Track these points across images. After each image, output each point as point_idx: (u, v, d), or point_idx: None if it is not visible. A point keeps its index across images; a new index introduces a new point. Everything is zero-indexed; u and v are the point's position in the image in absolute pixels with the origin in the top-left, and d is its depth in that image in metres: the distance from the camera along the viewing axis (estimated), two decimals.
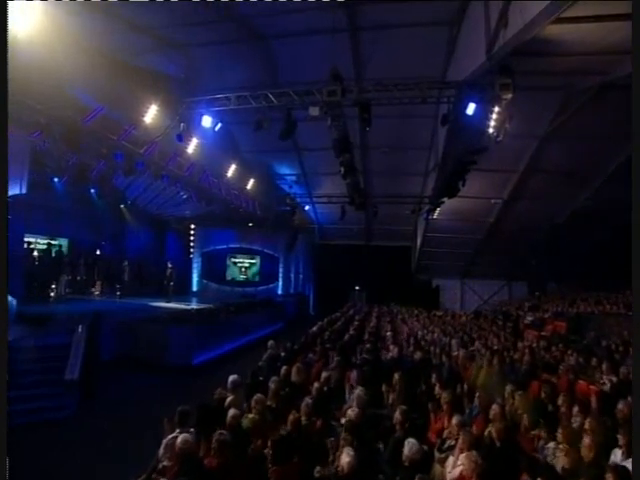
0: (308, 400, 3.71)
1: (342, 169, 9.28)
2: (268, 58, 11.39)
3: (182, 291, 17.20)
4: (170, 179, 11.32)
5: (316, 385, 4.39)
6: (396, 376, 4.85)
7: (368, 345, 7.16)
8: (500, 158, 12.45)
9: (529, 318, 14.76)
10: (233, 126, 14.83)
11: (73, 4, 7.80)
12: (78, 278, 14.51)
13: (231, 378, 4.38)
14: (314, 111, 6.80)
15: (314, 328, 9.49)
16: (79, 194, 14.48)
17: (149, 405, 6.38)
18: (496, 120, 6.11)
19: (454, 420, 3.24)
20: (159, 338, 8.17)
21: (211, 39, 11.00)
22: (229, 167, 14.28)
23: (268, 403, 4.01)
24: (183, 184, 12.20)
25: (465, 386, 4.91)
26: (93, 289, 15.05)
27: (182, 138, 7.79)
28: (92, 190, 14.01)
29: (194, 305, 13.14)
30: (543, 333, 12.42)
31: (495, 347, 8.26)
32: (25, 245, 13.34)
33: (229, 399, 4.03)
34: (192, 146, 11.44)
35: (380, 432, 3.73)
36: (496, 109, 6.04)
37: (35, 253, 13.82)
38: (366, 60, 10.89)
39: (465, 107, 6.19)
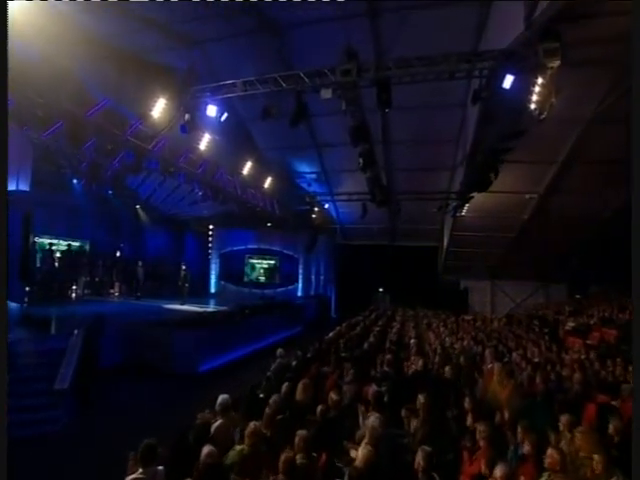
0: (303, 432, 2.96)
1: (360, 161, 8.49)
2: (283, 49, 10.81)
3: (200, 293, 16.93)
4: (180, 177, 10.90)
5: (320, 408, 3.64)
6: (421, 398, 4.03)
7: (389, 356, 6.34)
8: (537, 147, 11.25)
9: (571, 324, 13.37)
10: (249, 122, 14.42)
11: None
12: (96, 279, 14.48)
13: (220, 398, 3.71)
14: (326, 93, 6.09)
15: (330, 334, 8.76)
16: (98, 195, 14.47)
17: (147, 417, 5.87)
18: (539, 94, 5.15)
19: (498, 471, 2.43)
20: (164, 343, 7.69)
21: (223, 32, 10.57)
22: (245, 165, 13.80)
23: (264, 431, 3.32)
24: (195, 182, 11.77)
25: (505, 413, 4.02)
26: (112, 290, 15.00)
27: (186, 129, 7.27)
28: (110, 191, 13.87)
29: (208, 307, 12.74)
30: (588, 342, 11.11)
31: (536, 359, 7.24)
32: (47, 246, 13.45)
33: (216, 425, 3.36)
34: (204, 142, 11.03)
35: (397, 473, 2.96)
36: (539, 81, 5.09)
37: (58, 254, 13.86)
38: (388, 46, 10.09)
39: (501, 81, 5.28)
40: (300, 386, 4.42)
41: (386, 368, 6.08)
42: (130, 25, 9.44)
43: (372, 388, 5.68)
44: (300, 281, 19.42)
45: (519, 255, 20.35)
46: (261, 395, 4.64)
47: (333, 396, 4.05)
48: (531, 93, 5.23)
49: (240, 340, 9.71)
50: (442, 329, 11.35)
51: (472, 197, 13.24)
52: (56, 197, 13.95)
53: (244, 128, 14.14)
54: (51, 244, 13.66)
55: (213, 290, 19.01)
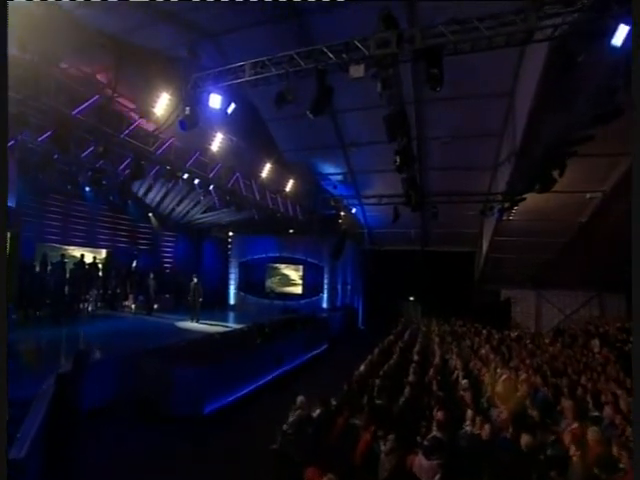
0: None
1: (397, 159, 7.00)
2: (306, 36, 9.53)
3: (217, 305, 15.89)
4: (190, 182, 9.77)
5: None
6: None
7: (440, 413, 4.83)
8: (604, 137, 9.36)
9: None
10: (270, 123, 13.27)
11: None
12: (109, 292, 13.69)
13: None
14: (357, 71, 4.68)
15: (361, 367, 7.29)
16: (111, 202, 13.74)
17: None
18: None
19: None
20: (164, 377, 6.48)
21: (237, 23, 9.46)
22: (264, 167, 12.60)
23: None
24: (208, 187, 10.62)
25: None
26: (126, 302, 14.17)
27: (185, 125, 6.05)
28: (114, 198, 13.02)
29: (223, 324, 11.57)
30: None
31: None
32: (59, 257, 12.73)
33: None
34: (216, 143, 9.90)
35: None
36: None
37: (71, 266, 13.13)
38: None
39: (609, 37, 3.66)
40: None
41: (437, 433, 4.57)
42: (132, 15, 8.46)
43: (418, 460, 4.27)
44: (325, 291, 18.00)
45: (570, 262, 18.14)
46: None
47: None
48: None
49: (257, 368, 8.39)
50: (492, 356, 9.60)
51: (524, 198, 11.40)
52: (68, 205, 13.38)
53: (262, 127, 12.97)
54: (63, 255, 12.93)
55: (232, 302, 17.93)
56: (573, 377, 7.83)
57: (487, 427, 4.43)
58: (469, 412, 4.92)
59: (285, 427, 5.30)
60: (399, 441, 4.43)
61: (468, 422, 4.92)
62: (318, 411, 5.54)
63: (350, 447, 4.82)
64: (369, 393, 6.03)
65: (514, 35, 4.25)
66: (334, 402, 5.71)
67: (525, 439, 4.27)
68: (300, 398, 5.42)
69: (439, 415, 4.83)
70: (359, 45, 4.78)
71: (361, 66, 4.70)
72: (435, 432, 4.60)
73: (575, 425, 5.07)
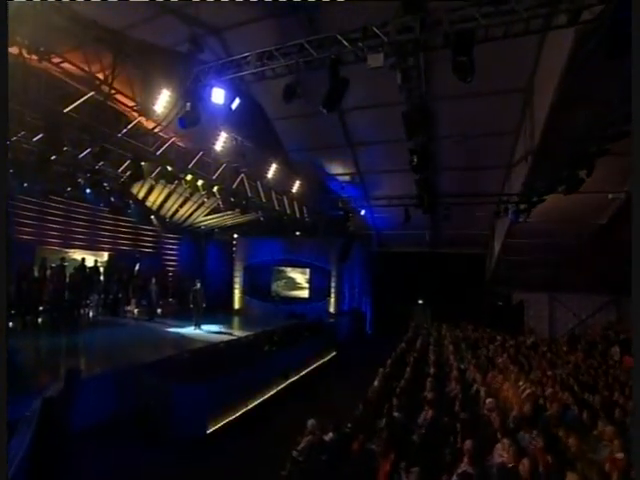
0: None
1: (414, 158, 6.48)
2: (315, 30, 9.04)
3: (222, 310, 15.44)
4: (193, 183, 9.32)
5: None
6: None
7: (468, 442, 4.30)
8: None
9: None
10: (276, 122, 12.82)
11: None
12: (111, 297, 13.28)
13: None
14: (376, 60, 4.18)
15: (375, 383, 6.78)
16: (115, 205, 13.34)
17: None
18: None
19: None
20: (162, 395, 6.01)
21: (246, 17, 9.01)
22: (269, 167, 12.13)
23: None
24: (212, 189, 10.17)
25: None
26: (128, 308, 13.76)
27: (185, 123, 5.59)
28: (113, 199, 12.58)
29: (227, 331, 11.09)
30: None
31: None
32: (59, 261, 12.34)
33: None
34: (220, 142, 9.46)
35: None
36: None
37: (71, 270, 12.73)
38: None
39: None
40: None
41: (467, 467, 4.05)
42: (133, 9, 8.03)
43: None
44: (332, 295, 17.48)
45: (586, 264, 17.47)
46: None
47: None
48: None
49: (263, 381, 7.90)
50: (511, 367, 9.05)
51: (544, 200, 10.83)
52: (68, 207, 13.05)
53: (267, 126, 12.51)
54: (63, 258, 12.55)
55: (237, 306, 17.47)
56: (604, 393, 7.25)
57: (526, 462, 3.89)
58: (504, 442, 4.37)
59: (295, 453, 4.83)
60: (424, 474, 3.93)
61: (500, 452, 4.40)
62: (331, 435, 5.07)
63: (368, 477, 4.35)
64: (386, 413, 5.52)
65: (555, 16, 3.74)
66: (348, 425, 5.23)
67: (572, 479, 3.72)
68: (311, 422, 4.95)
69: (468, 445, 4.31)
70: (377, 31, 4.28)
71: (380, 55, 4.18)
72: (464, 466, 4.09)
73: (620, 455, 4.53)
